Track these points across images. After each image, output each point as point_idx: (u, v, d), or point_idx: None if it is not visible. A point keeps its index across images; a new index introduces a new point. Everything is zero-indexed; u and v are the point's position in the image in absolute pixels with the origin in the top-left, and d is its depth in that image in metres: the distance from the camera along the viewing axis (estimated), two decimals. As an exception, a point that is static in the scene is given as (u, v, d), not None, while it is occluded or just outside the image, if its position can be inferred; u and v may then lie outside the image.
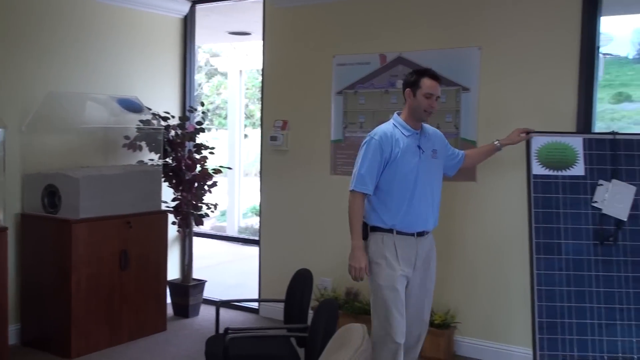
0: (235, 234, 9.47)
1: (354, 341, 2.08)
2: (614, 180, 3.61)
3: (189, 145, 5.60)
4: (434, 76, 3.54)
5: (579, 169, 3.67)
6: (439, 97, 3.57)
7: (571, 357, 3.47)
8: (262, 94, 5.63)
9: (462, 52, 4.61)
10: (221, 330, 3.46)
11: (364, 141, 3.58)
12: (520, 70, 4.42)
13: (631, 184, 3.61)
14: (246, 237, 8.93)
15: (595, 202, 3.61)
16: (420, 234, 3.54)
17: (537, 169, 3.69)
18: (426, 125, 3.66)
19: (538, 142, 3.74)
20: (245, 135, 11.90)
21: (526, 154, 3.72)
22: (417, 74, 3.55)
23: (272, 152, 5.51)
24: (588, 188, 3.65)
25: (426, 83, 3.50)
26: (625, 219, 3.57)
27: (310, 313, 3.49)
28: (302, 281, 3.59)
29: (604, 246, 3.57)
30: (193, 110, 5.88)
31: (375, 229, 3.54)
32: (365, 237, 3.57)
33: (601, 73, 4.50)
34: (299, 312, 3.51)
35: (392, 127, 3.57)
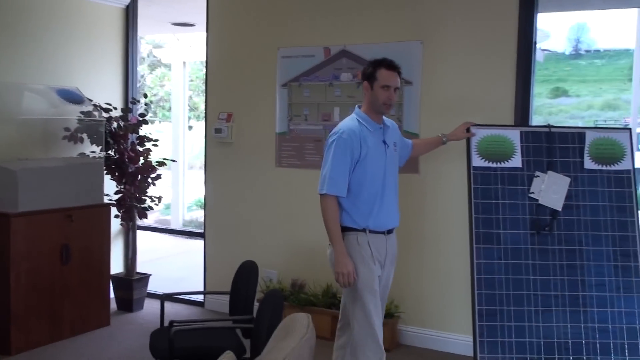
0: (180, 227, 9.38)
1: (299, 330, 2.11)
2: (549, 172, 3.73)
3: (132, 137, 5.52)
4: (390, 66, 3.38)
5: (516, 161, 3.78)
6: (397, 89, 3.41)
7: (509, 343, 3.58)
8: (206, 86, 5.60)
9: (405, 46, 4.68)
10: (166, 324, 3.44)
11: (330, 139, 3.37)
12: (460, 64, 4.52)
13: (566, 175, 3.74)
14: (191, 230, 8.85)
15: (532, 193, 3.72)
16: (390, 231, 3.47)
17: (477, 161, 3.78)
18: (385, 118, 3.52)
19: (478, 134, 3.83)
20: (190, 128, 11.78)
21: (466, 147, 3.81)
22: (374, 65, 3.39)
23: (216, 144, 5.49)
24: (525, 179, 3.76)
25: (383, 74, 3.35)
26: (560, 209, 3.69)
27: (256, 305, 3.50)
28: (247, 273, 3.60)
29: (540, 235, 3.69)
30: (136, 101, 5.80)
31: (348, 229, 3.38)
32: None
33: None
34: (244, 304, 3.52)
35: (357, 122, 3.38)
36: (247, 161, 5.38)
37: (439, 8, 4.57)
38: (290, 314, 4.94)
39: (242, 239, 5.40)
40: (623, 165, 3.78)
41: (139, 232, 5.75)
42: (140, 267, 5.71)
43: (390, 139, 3.48)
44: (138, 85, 6.18)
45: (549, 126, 3.83)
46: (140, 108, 5.80)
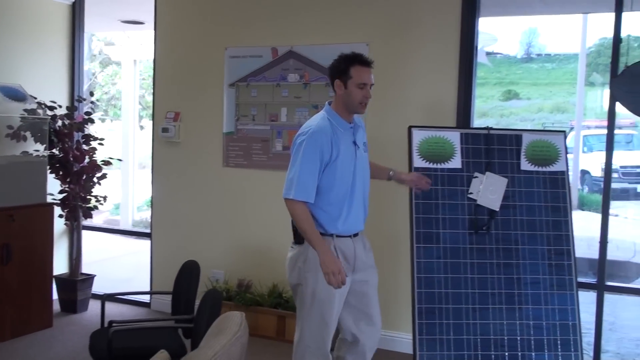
0: (129, 228, 9.27)
1: (231, 327, 2.13)
2: (487, 173, 3.82)
3: (78, 136, 5.45)
4: (365, 62, 3.16)
5: (456, 162, 3.86)
6: (372, 85, 3.21)
7: (447, 340, 3.65)
8: (153, 85, 5.56)
9: (351, 48, 4.61)
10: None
11: (299, 139, 3.13)
12: (405, 66, 4.59)
13: (503, 176, 3.83)
14: (139, 230, 8.75)
15: (471, 193, 3.80)
16: (356, 234, 3.31)
17: (418, 162, 3.84)
18: (355, 116, 3.31)
19: (419, 136, 3.89)
20: (142, 127, 11.66)
21: (408, 148, 3.87)
22: (346, 61, 3.15)
23: (164, 144, 5.46)
24: (465, 180, 3.84)
25: (358, 71, 3.12)
26: (498, 209, 3.78)
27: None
28: (188, 273, 3.60)
29: (478, 235, 3.77)
30: (81, 100, 5.72)
31: None
32: (301, 241, 3.20)
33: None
34: (185, 304, 3.52)
35: (327, 122, 3.16)
36: (195, 161, 5.37)
37: (385, 11, 4.64)
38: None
39: (189, 239, 5.39)
40: (557, 167, 3.88)
41: (87, 233, 5.69)
42: (88, 268, 5.65)
43: (360, 140, 3.31)
44: (89, 83, 6.09)
45: (487, 128, 3.91)
46: (87, 106, 5.71)
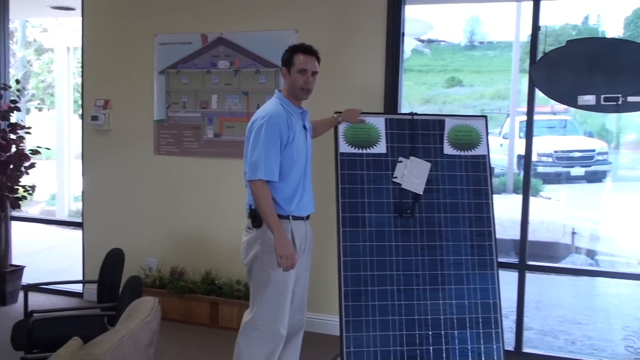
0: (65, 218, 9.10)
1: (141, 312, 2.14)
2: (412, 158, 3.90)
3: (3, 124, 5.33)
4: (307, 50, 3.36)
5: (381, 147, 3.93)
6: (315, 73, 3.39)
7: (373, 321, 3.73)
8: (82, 71, 5.47)
9: (281, 35, 4.75)
10: (31, 315, 3.38)
11: (257, 124, 3.25)
12: (334, 53, 4.63)
13: (427, 160, 3.91)
14: (72, 220, 8.60)
15: (395, 177, 3.88)
16: (308, 217, 3.49)
17: (344, 148, 3.89)
18: None
19: (344, 122, 3.94)
20: (80, 116, 11.41)
21: (334, 133, 3.92)
22: (291, 50, 3.38)
23: (93, 132, 5.39)
24: (389, 165, 3.91)
25: (299, 58, 3.33)
26: (421, 193, 3.87)
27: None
28: (113, 261, 3.59)
29: (402, 218, 3.85)
30: (6, 87, 5.58)
31: None
32: (259, 224, 3.29)
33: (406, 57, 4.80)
34: (110, 292, 3.50)
35: (280, 107, 3.32)
36: (126, 149, 5.31)
37: (312, -2, 4.68)
38: (169, 302, 4.96)
39: (121, 228, 5.34)
40: (479, 151, 3.99)
41: (21, 224, 5.57)
42: (21, 260, 5.54)
43: (307, 125, 3.51)
44: (24, 71, 5.95)
45: (411, 114, 3.99)
46: (12, 94, 5.58)
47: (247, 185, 3.35)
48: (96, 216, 5.47)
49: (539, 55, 4.19)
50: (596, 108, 4.13)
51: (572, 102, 4.16)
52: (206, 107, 5.01)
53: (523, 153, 13.13)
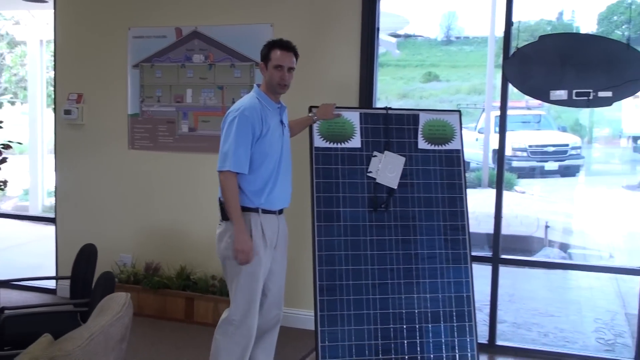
0: (39, 214, 9.00)
1: (113, 308, 2.13)
2: (386, 152, 3.91)
3: (-26, 118, 5.24)
4: (284, 46, 3.39)
5: (356, 142, 3.94)
6: (292, 69, 3.42)
7: (348, 315, 3.74)
8: (54, 65, 5.41)
9: (256, 29, 4.74)
10: (2, 312, 3.34)
11: (230, 116, 3.29)
12: (309, 47, 4.61)
13: (401, 155, 3.93)
14: (46, 216, 8.51)
15: (370, 172, 3.89)
16: (281, 211, 3.51)
17: (319, 142, 3.90)
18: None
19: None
20: (54, 110, 11.27)
21: (309, 128, 3.92)
22: (268, 46, 3.41)
23: (66, 126, 5.33)
24: (364, 159, 3.92)
25: (276, 54, 3.36)
26: (396, 187, 3.89)
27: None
28: (86, 256, 3.55)
29: (377, 212, 3.87)
30: (-23, 81, 5.51)
31: (242, 208, 3.31)
32: (227, 217, 3.32)
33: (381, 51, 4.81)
34: (83, 287, 3.47)
35: (256, 101, 3.36)
36: (99, 143, 5.26)
37: (287, -8, 4.66)
38: (144, 297, 4.93)
39: (95, 224, 5.29)
40: (453, 145, 4.02)
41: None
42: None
43: (285, 120, 3.54)
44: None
45: (386, 108, 4.01)
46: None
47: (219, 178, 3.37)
48: (69, 212, 5.42)
49: (512, 50, 4.22)
50: (568, 103, 4.17)
51: (544, 96, 4.20)
52: (181, 101, 4.98)
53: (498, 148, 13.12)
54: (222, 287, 4.77)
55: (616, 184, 11.94)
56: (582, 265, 5.53)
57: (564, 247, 8.15)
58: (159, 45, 5.01)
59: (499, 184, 4.47)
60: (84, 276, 3.47)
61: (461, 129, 4.08)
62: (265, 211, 3.38)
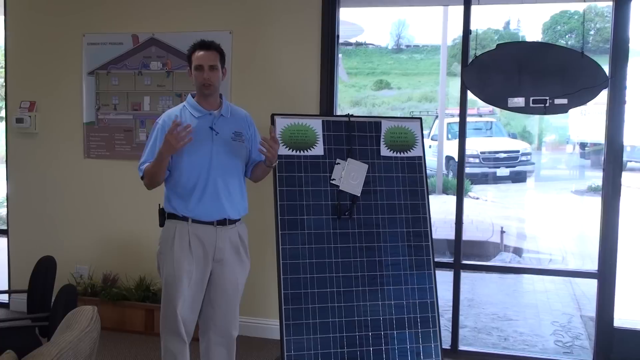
0: (-13, 225, 8.70)
1: (81, 322, 2.07)
2: (349, 159, 3.92)
3: None
4: (204, 46, 3.30)
5: (319, 149, 3.93)
6: (213, 67, 3.27)
7: (314, 324, 3.72)
8: (5, 72, 5.25)
9: (215, 36, 4.58)
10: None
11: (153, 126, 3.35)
12: (269, 54, 4.61)
13: (364, 162, 3.94)
14: (-2, 227, 8.25)
15: (333, 179, 3.89)
16: (221, 223, 3.30)
17: (282, 150, 3.85)
18: (233, 107, 3.45)
19: (282, 123, 3.93)
20: (2, 118, 10.95)
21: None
22: (190, 50, 3.33)
23: (19, 135, 5.17)
24: (327, 167, 3.91)
25: (196, 55, 3.28)
26: (359, 194, 3.89)
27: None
28: (44, 269, 3.44)
29: (341, 220, 3.87)
30: None
31: (170, 215, 3.31)
32: (161, 224, 3.36)
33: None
34: (41, 301, 3.36)
35: (180, 109, 3.34)
36: (54, 153, 5.13)
37: (247, -1, 4.64)
38: (103, 309, 4.78)
39: (50, 235, 5.15)
40: (415, 152, 4.05)
41: None
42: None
43: (227, 128, 3.33)
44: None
45: (348, 115, 4.01)
46: None
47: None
48: (22, 223, 5.26)
49: (470, 58, 4.28)
50: (525, 110, 4.25)
51: (502, 104, 4.27)
52: (138, 109, 4.89)
53: (451, 154, 13.48)
54: (183, 298, 4.69)
55: (565, 189, 12.26)
56: (542, 270, 5.66)
57: (518, 251, 8.31)
58: (115, 52, 4.91)
59: (459, 190, 4.53)
60: (43, 289, 3.36)
61: (422, 136, 4.11)
62: (195, 221, 3.27)
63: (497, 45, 4.30)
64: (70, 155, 5.07)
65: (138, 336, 4.73)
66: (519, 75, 4.21)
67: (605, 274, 4.20)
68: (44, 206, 5.18)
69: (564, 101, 4.18)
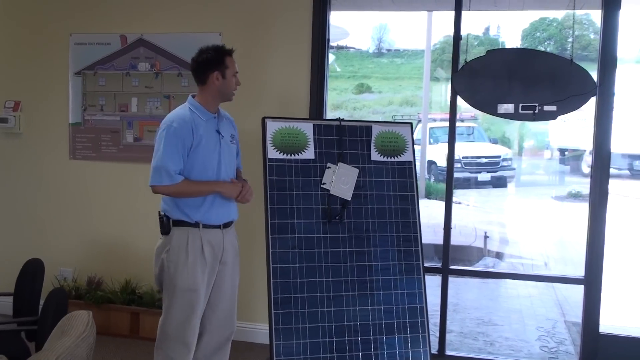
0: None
1: (77, 328, 2.03)
2: (340, 164, 3.90)
3: None
4: (232, 52, 3.40)
5: (310, 153, 3.91)
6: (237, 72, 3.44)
7: (303, 328, 3.69)
8: (-11, 71, 5.17)
9: (204, 37, 4.61)
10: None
11: (160, 129, 3.22)
12: (258, 56, 4.59)
13: (355, 166, 3.93)
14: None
15: (324, 183, 3.87)
16: (227, 225, 3.39)
17: (272, 153, 3.85)
18: (221, 109, 3.49)
19: (273, 127, 3.90)
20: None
21: (262, 139, 3.87)
22: (220, 53, 3.33)
23: (2, 135, 5.11)
24: (318, 170, 3.89)
25: (231, 61, 3.34)
26: (350, 199, 3.88)
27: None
28: (32, 272, 3.39)
29: (331, 224, 3.85)
30: None
31: (179, 223, 3.25)
32: (166, 232, 3.26)
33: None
34: (29, 305, 3.31)
35: (188, 112, 3.27)
36: (38, 153, 5.07)
37: (236, 1, 4.61)
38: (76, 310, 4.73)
39: (34, 237, 5.08)
40: (405, 157, 4.05)
41: None
42: None
43: (226, 131, 3.43)
44: None
45: (339, 119, 4.00)
46: None
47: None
48: (5, 224, 5.18)
49: (461, 64, 4.30)
50: (515, 116, 4.27)
51: (492, 110, 4.29)
52: (126, 110, 4.84)
53: (433, 159, 13.50)
54: (169, 301, 4.65)
55: (545, 195, 12.36)
56: (530, 275, 5.69)
57: (500, 256, 8.36)
58: (102, 53, 4.87)
59: (448, 195, 4.55)
60: (30, 293, 3.31)
61: (413, 141, 4.12)
62: (206, 226, 3.29)
63: (487, 51, 4.32)
64: (55, 156, 5.01)
65: (123, 340, 4.68)
66: (508, 81, 4.23)
67: (591, 280, 4.23)
68: (28, 207, 5.11)
69: (553, 108, 4.20)
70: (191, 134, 3.21)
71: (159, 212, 3.30)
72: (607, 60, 4.19)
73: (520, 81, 4.22)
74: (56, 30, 4.94)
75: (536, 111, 4.21)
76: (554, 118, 4.23)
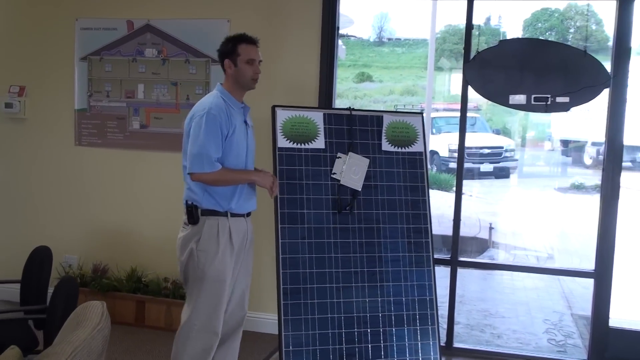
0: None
1: (92, 319, 2.00)
2: (350, 153, 3.86)
3: None
4: (251, 40, 3.34)
5: (320, 143, 3.87)
6: (261, 61, 3.38)
7: (312, 319, 3.67)
8: (-6, 56, 5.12)
9: (212, 24, 4.60)
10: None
11: (198, 115, 3.16)
12: (268, 44, 4.49)
13: (365, 156, 3.89)
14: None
15: (334, 173, 3.83)
16: (249, 214, 3.43)
17: (282, 142, 3.81)
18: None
19: (283, 115, 3.85)
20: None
21: (272, 128, 3.83)
22: (233, 42, 3.31)
23: (7, 120, 5.05)
24: (328, 160, 3.85)
25: (245, 49, 3.29)
26: (360, 189, 3.84)
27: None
28: (40, 260, 3.35)
29: (341, 215, 3.81)
30: None
31: (209, 212, 3.23)
32: (195, 221, 3.22)
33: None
34: (36, 293, 3.28)
35: (221, 100, 3.25)
36: (44, 139, 5.01)
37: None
38: (90, 300, 4.71)
39: (39, 223, 5.04)
40: (416, 148, 4.01)
41: None
42: None
43: (248, 120, 3.44)
44: None
45: (350, 109, 3.95)
46: None
47: (185, 180, 3.27)
48: (10, 210, 5.14)
49: (473, 54, 4.25)
50: (527, 107, 4.24)
51: (504, 101, 4.25)
52: (132, 96, 4.79)
53: (435, 149, 13.40)
54: (175, 290, 4.62)
55: (548, 186, 12.33)
56: (539, 268, 5.64)
57: (505, 247, 8.33)
58: (109, 38, 4.81)
59: (458, 187, 4.52)
60: (38, 281, 3.27)
61: (424, 131, 4.07)
62: (233, 215, 3.30)
63: (500, 41, 4.28)
64: (60, 142, 4.96)
65: (128, 328, 4.65)
66: (520, 72, 4.19)
67: (601, 274, 4.20)
68: (33, 194, 5.07)
69: (566, 99, 4.16)
70: (228, 122, 3.21)
71: (186, 201, 3.26)
72: (621, 51, 4.13)
73: (532, 72, 4.17)
74: (62, 15, 4.88)
75: (548, 102, 4.16)
76: (567, 110, 4.18)
